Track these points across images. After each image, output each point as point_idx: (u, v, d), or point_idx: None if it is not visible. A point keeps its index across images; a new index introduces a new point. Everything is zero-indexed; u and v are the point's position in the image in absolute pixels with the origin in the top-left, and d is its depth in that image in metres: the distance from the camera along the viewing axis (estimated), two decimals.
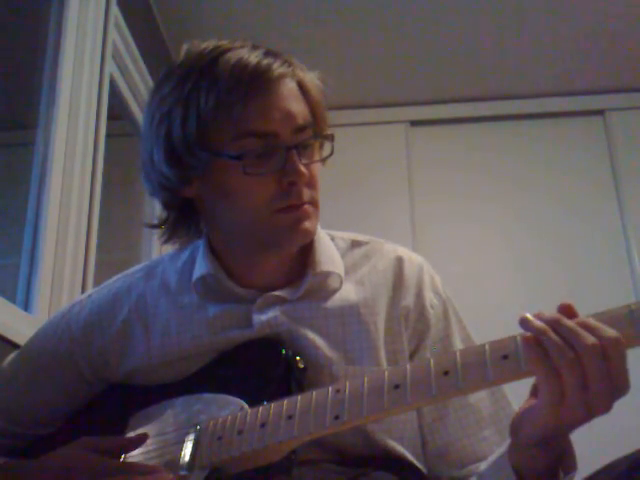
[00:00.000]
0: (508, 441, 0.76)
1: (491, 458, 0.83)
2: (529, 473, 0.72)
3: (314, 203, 0.90)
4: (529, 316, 0.66)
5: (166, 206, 0.97)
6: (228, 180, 0.88)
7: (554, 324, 0.64)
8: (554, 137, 3.09)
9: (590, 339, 0.62)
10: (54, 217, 1.62)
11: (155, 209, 2.26)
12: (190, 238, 1.01)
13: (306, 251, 0.96)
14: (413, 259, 1.02)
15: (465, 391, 0.67)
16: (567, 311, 0.66)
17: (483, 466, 0.86)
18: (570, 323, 0.64)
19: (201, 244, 0.99)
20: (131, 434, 0.88)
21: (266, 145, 0.86)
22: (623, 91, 3.06)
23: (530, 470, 0.72)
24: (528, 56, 2.85)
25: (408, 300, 0.96)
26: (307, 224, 0.89)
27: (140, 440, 0.82)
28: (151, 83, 2.37)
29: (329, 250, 0.98)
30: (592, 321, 0.64)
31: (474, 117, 3.14)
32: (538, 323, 0.65)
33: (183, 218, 0.98)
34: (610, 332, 0.62)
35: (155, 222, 1.00)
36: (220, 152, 0.87)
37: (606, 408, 0.62)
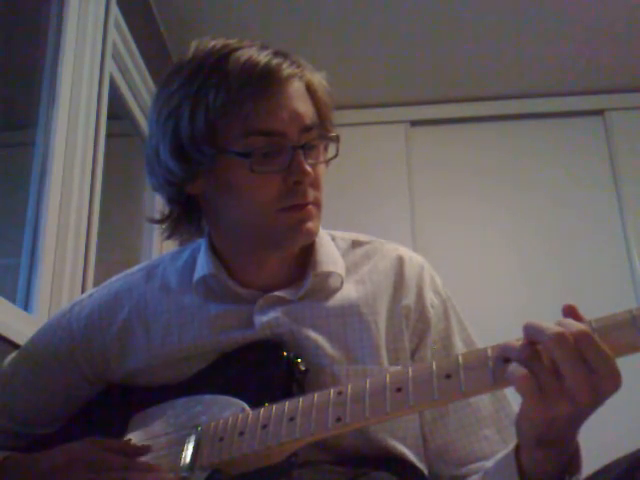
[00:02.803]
0: (512, 440, 0.76)
1: (498, 455, 0.83)
2: (536, 477, 0.71)
3: (317, 204, 0.91)
4: None
5: (170, 202, 0.97)
6: (234, 177, 0.88)
7: (524, 328, 0.65)
8: (554, 137, 3.09)
9: (555, 328, 0.62)
10: (54, 217, 1.62)
11: (155, 209, 2.26)
12: (191, 236, 1.01)
13: (307, 251, 0.96)
14: (414, 259, 1.02)
15: (467, 394, 0.66)
16: (570, 312, 0.65)
17: (489, 463, 0.86)
18: (538, 323, 0.64)
19: (202, 243, 0.99)
20: (131, 435, 0.88)
21: (273, 144, 0.87)
22: (623, 91, 3.06)
23: (538, 475, 0.71)
24: (528, 56, 2.85)
25: (409, 299, 0.97)
26: (310, 224, 0.89)
27: (144, 450, 0.82)
28: (151, 83, 2.37)
29: (330, 250, 0.98)
30: (564, 319, 0.64)
31: (474, 117, 3.13)
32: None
33: (186, 215, 0.98)
34: (577, 324, 0.62)
35: (157, 217, 1.00)
36: (227, 149, 0.87)
37: (591, 400, 0.61)
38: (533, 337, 0.63)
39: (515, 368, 0.63)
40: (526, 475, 0.72)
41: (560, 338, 0.61)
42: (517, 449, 0.74)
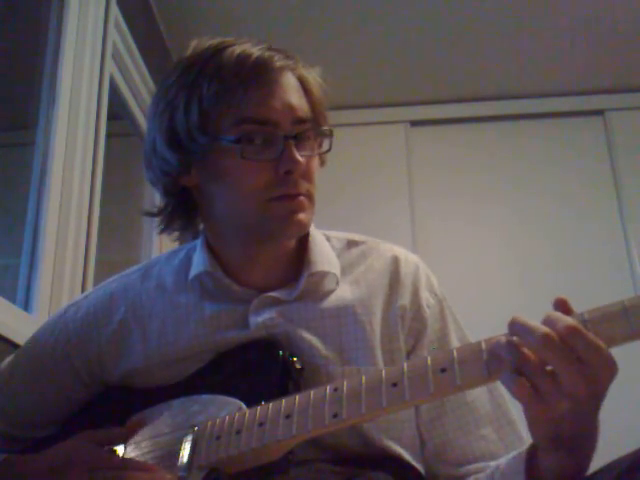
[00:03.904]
0: (510, 440, 0.75)
1: (511, 454, 0.81)
2: (556, 475, 0.70)
3: (310, 196, 0.91)
4: None
5: (166, 194, 0.97)
6: (226, 164, 0.89)
7: (510, 325, 0.64)
8: (554, 137, 3.09)
9: (541, 329, 0.61)
10: (54, 217, 1.62)
11: (154, 208, 2.26)
12: (186, 231, 1.01)
13: (302, 251, 0.96)
14: (409, 259, 1.02)
15: (462, 387, 0.66)
16: (562, 306, 0.65)
17: (502, 460, 0.84)
18: (524, 322, 0.63)
19: (198, 242, 0.99)
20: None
21: (265, 132, 0.87)
22: (623, 91, 3.06)
23: (559, 474, 0.69)
24: (528, 56, 2.85)
25: (405, 299, 0.96)
26: (301, 216, 0.89)
27: (138, 425, 0.83)
28: (151, 83, 2.37)
29: (325, 250, 0.98)
30: (552, 313, 0.63)
31: (474, 117, 3.14)
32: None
33: (181, 207, 0.98)
34: (563, 319, 0.62)
35: (154, 210, 1.00)
36: (220, 137, 0.88)
37: (590, 392, 0.61)
38: (520, 337, 0.63)
39: (509, 375, 0.62)
40: (539, 472, 0.71)
41: (547, 339, 0.60)
42: (534, 449, 0.73)
